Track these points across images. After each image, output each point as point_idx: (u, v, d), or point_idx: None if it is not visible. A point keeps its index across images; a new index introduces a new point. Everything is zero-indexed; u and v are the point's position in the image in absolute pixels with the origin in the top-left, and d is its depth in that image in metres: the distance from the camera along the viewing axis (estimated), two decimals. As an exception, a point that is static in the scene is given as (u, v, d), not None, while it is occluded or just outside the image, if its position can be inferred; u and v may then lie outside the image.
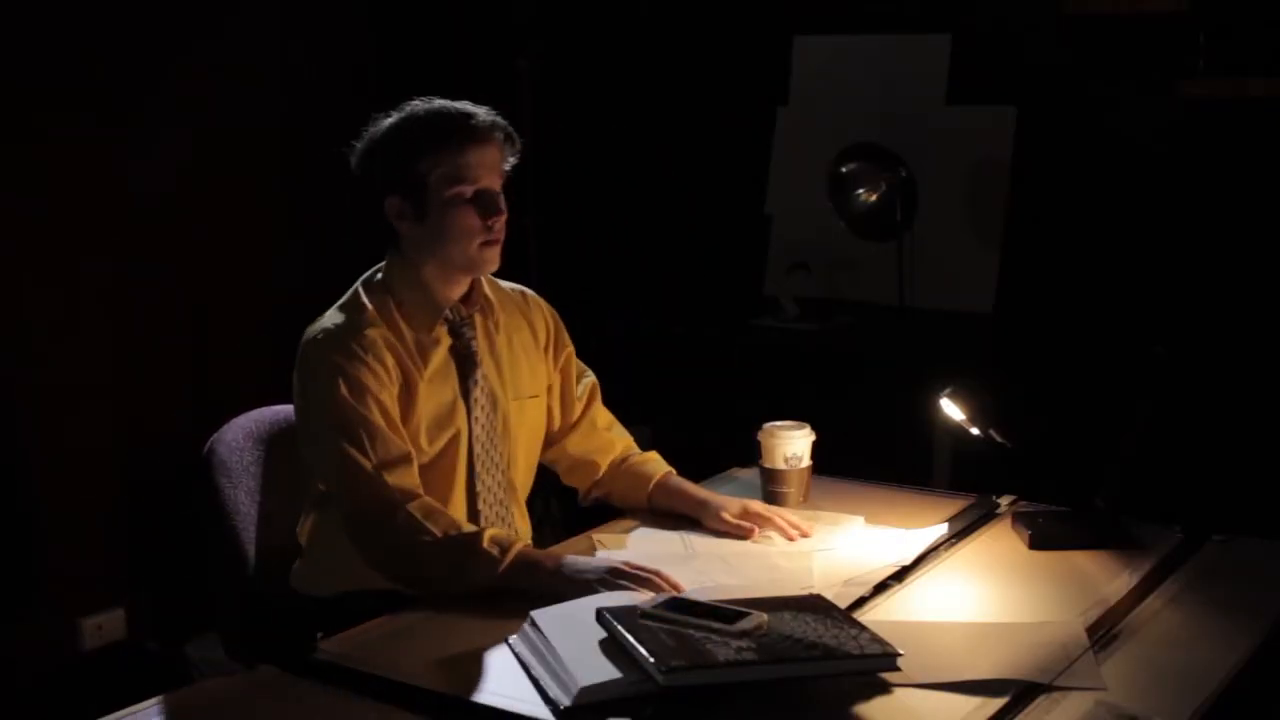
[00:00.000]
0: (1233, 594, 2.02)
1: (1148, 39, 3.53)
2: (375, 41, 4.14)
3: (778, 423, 2.49)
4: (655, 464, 2.51)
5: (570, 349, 2.50)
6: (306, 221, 3.92)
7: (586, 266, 4.31)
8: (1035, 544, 2.23)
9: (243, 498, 2.39)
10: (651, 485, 2.46)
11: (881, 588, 2.05)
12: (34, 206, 3.39)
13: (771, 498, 2.47)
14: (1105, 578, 2.07)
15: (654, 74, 4.28)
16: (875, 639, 1.71)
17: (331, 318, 2.27)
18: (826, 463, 2.56)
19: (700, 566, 2.15)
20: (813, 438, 2.48)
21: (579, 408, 2.50)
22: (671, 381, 4.08)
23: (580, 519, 2.51)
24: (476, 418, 2.31)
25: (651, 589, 1.98)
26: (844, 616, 1.80)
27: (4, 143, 3.32)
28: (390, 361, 2.22)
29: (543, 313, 2.48)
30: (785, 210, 4.11)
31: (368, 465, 2.14)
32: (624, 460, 2.51)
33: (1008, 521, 2.35)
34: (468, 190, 2.22)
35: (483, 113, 2.27)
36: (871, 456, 2.83)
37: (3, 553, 3.37)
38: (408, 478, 2.16)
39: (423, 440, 2.25)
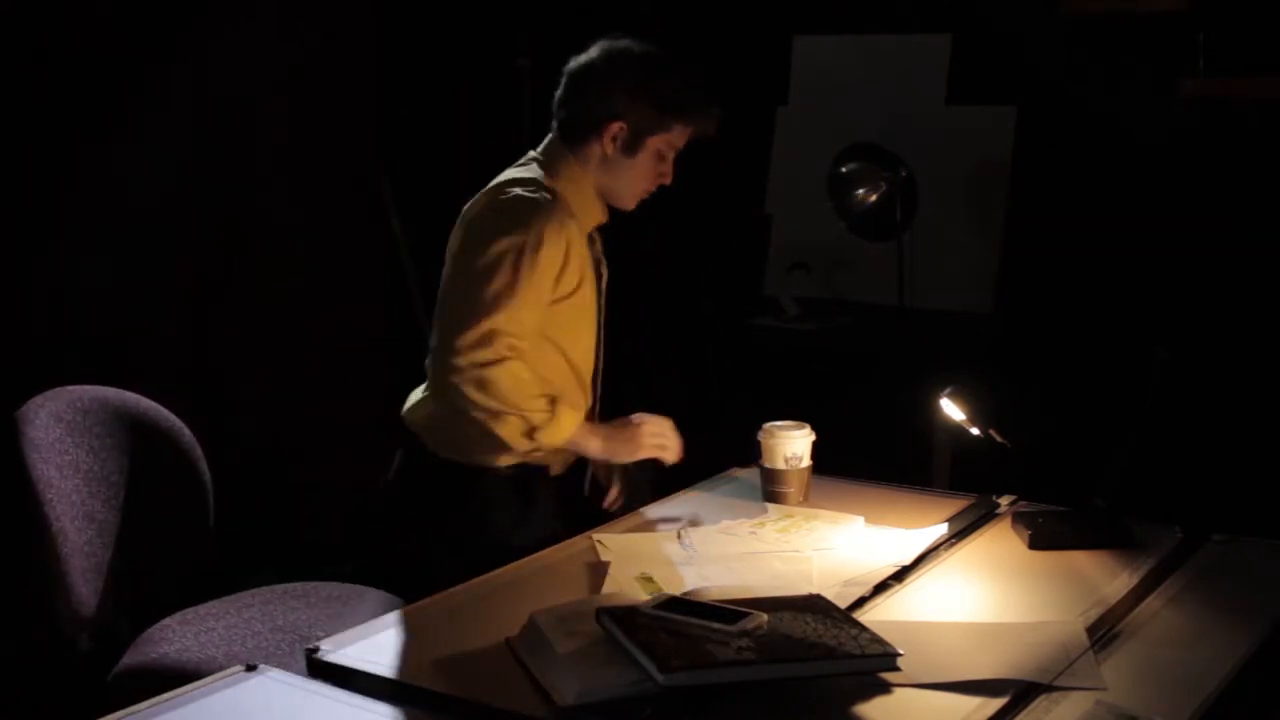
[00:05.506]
0: (1233, 594, 2.02)
1: (1148, 39, 3.53)
2: (377, 41, 4.15)
3: (778, 423, 2.49)
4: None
5: None
6: (308, 218, 3.92)
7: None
8: (1035, 544, 2.23)
9: (54, 473, 2.40)
10: None
11: (881, 588, 2.05)
12: (33, 204, 3.39)
13: (771, 498, 2.47)
14: (1105, 578, 2.07)
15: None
16: (875, 639, 1.71)
17: (531, 193, 2.41)
18: (826, 463, 2.57)
19: (700, 567, 2.15)
20: (813, 438, 2.48)
21: None
22: (671, 381, 4.08)
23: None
24: (600, 308, 2.56)
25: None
26: (844, 616, 1.80)
27: (4, 141, 3.33)
28: (571, 246, 2.42)
29: None
30: (785, 210, 4.11)
31: (496, 323, 2.31)
32: None
33: (1008, 521, 2.35)
34: (667, 151, 2.49)
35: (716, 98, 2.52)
36: (871, 456, 2.83)
37: (1, 553, 3.37)
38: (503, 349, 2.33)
39: (581, 321, 2.50)
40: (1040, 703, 1.65)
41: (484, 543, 2.37)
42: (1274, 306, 3.41)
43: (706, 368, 4.04)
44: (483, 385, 2.32)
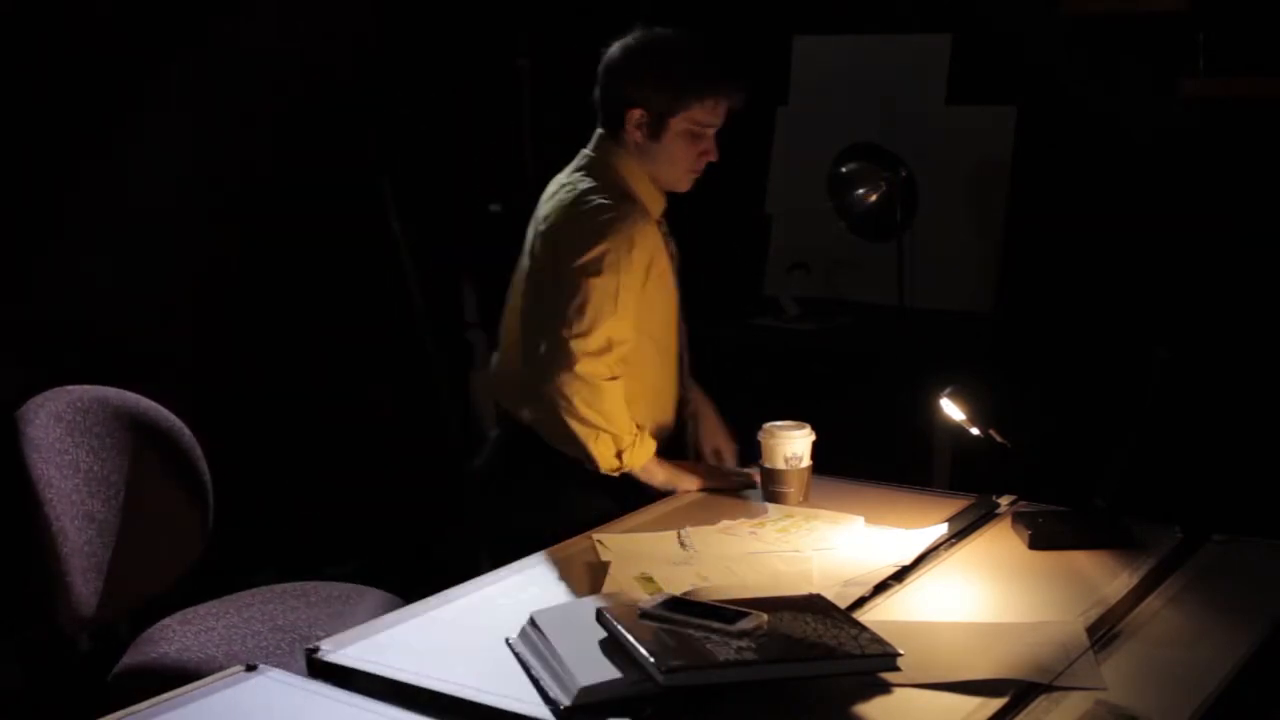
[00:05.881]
0: (1233, 594, 2.02)
1: (1148, 39, 3.53)
2: (377, 41, 4.14)
3: (778, 423, 2.49)
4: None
5: None
6: (308, 218, 3.92)
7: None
8: (1035, 544, 2.23)
9: (54, 473, 2.40)
10: None
11: (881, 588, 2.05)
12: (34, 204, 3.39)
13: (772, 498, 2.47)
14: (1105, 578, 2.07)
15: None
16: (875, 639, 1.71)
17: (603, 195, 2.49)
18: (826, 463, 2.57)
19: (700, 567, 2.15)
20: (813, 438, 2.49)
21: None
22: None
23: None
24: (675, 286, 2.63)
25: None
26: (844, 616, 1.80)
27: (4, 139, 3.33)
28: (652, 246, 2.52)
29: None
30: (785, 210, 4.11)
31: (610, 332, 2.44)
32: None
33: (1008, 521, 2.35)
34: (700, 129, 2.52)
35: (739, 72, 2.53)
36: (871, 456, 2.83)
37: (2, 553, 3.37)
38: (616, 364, 2.47)
39: (660, 296, 2.56)
40: (1040, 703, 1.65)
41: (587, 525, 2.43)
42: (1274, 306, 3.41)
43: (706, 368, 4.04)
44: (594, 398, 2.43)
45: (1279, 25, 3.36)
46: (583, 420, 2.44)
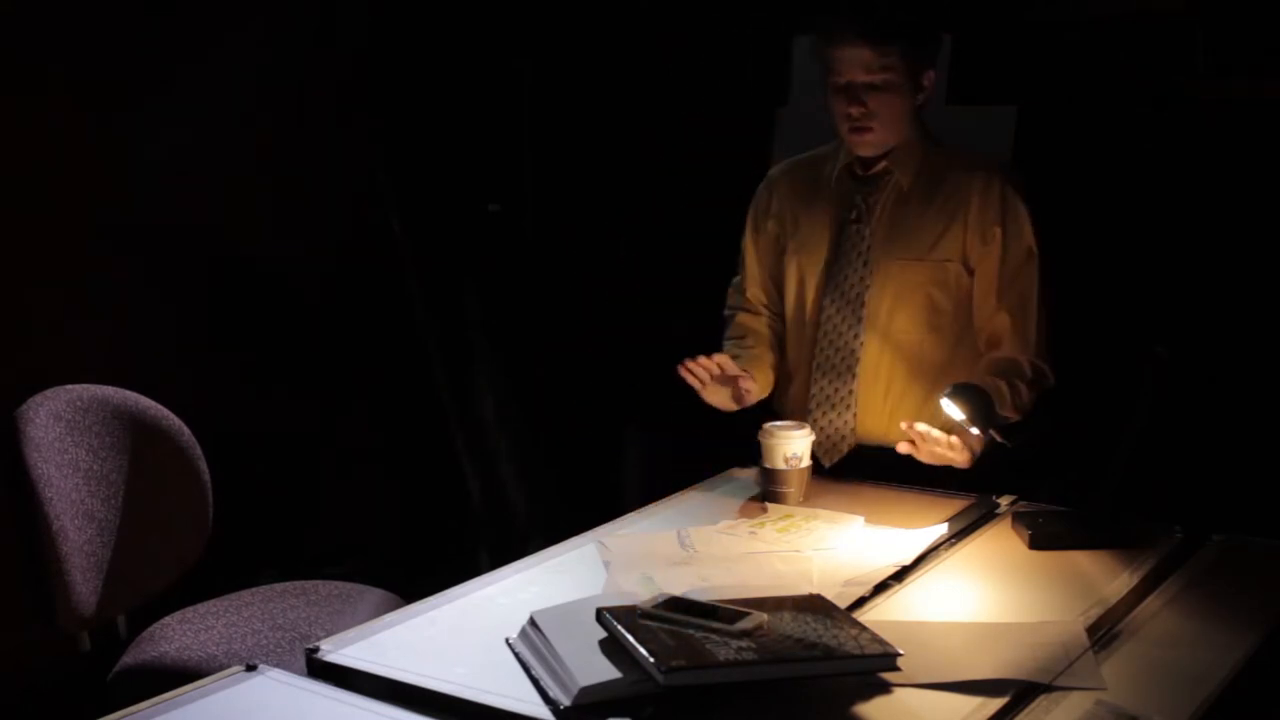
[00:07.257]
0: (1233, 594, 2.02)
1: (1148, 39, 3.53)
2: (375, 40, 4.14)
3: (778, 423, 2.49)
4: (981, 377, 2.61)
5: (1000, 232, 2.71)
6: (308, 218, 3.92)
7: (586, 265, 4.31)
8: (1035, 544, 2.23)
9: (53, 472, 2.40)
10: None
11: (881, 588, 2.05)
12: (34, 202, 3.39)
13: (771, 498, 2.48)
14: (1105, 578, 2.07)
15: (654, 74, 4.27)
16: (875, 639, 1.71)
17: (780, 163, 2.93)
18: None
19: (700, 567, 2.15)
20: (813, 437, 2.49)
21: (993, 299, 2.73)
22: (671, 381, 4.07)
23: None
24: (844, 254, 2.69)
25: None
26: (844, 616, 1.80)
27: (5, 139, 3.33)
28: (780, 192, 2.84)
29: (987, 189, 2.70)
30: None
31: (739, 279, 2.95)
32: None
33: (1008, 521, 2.35)
34: (839, 81, 2.59)
35: (856, 16, 2.56)
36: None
37: (1, 552, 3.37)
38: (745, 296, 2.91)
39: (802, 256, 2.77)
40: (1040, 703, 1.66)
41: None
42: (1274, 306, 3.40)
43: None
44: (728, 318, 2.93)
45: (1279, 25, 3.35)
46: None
